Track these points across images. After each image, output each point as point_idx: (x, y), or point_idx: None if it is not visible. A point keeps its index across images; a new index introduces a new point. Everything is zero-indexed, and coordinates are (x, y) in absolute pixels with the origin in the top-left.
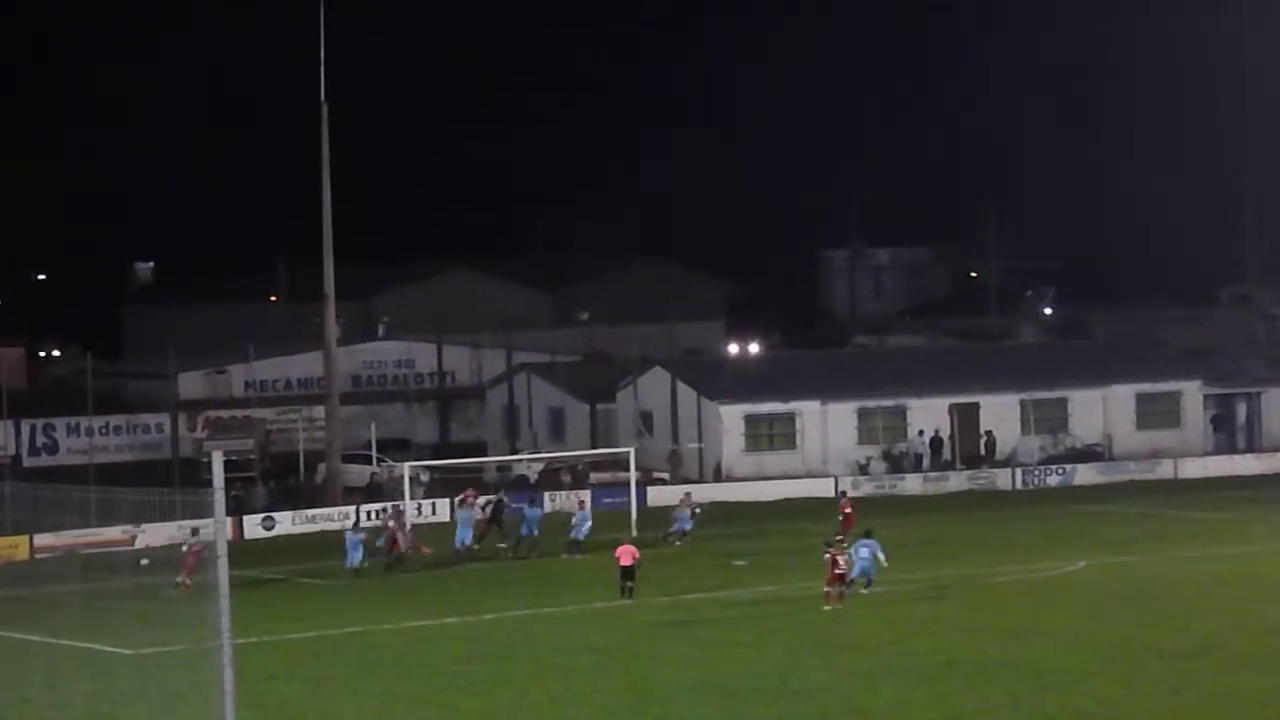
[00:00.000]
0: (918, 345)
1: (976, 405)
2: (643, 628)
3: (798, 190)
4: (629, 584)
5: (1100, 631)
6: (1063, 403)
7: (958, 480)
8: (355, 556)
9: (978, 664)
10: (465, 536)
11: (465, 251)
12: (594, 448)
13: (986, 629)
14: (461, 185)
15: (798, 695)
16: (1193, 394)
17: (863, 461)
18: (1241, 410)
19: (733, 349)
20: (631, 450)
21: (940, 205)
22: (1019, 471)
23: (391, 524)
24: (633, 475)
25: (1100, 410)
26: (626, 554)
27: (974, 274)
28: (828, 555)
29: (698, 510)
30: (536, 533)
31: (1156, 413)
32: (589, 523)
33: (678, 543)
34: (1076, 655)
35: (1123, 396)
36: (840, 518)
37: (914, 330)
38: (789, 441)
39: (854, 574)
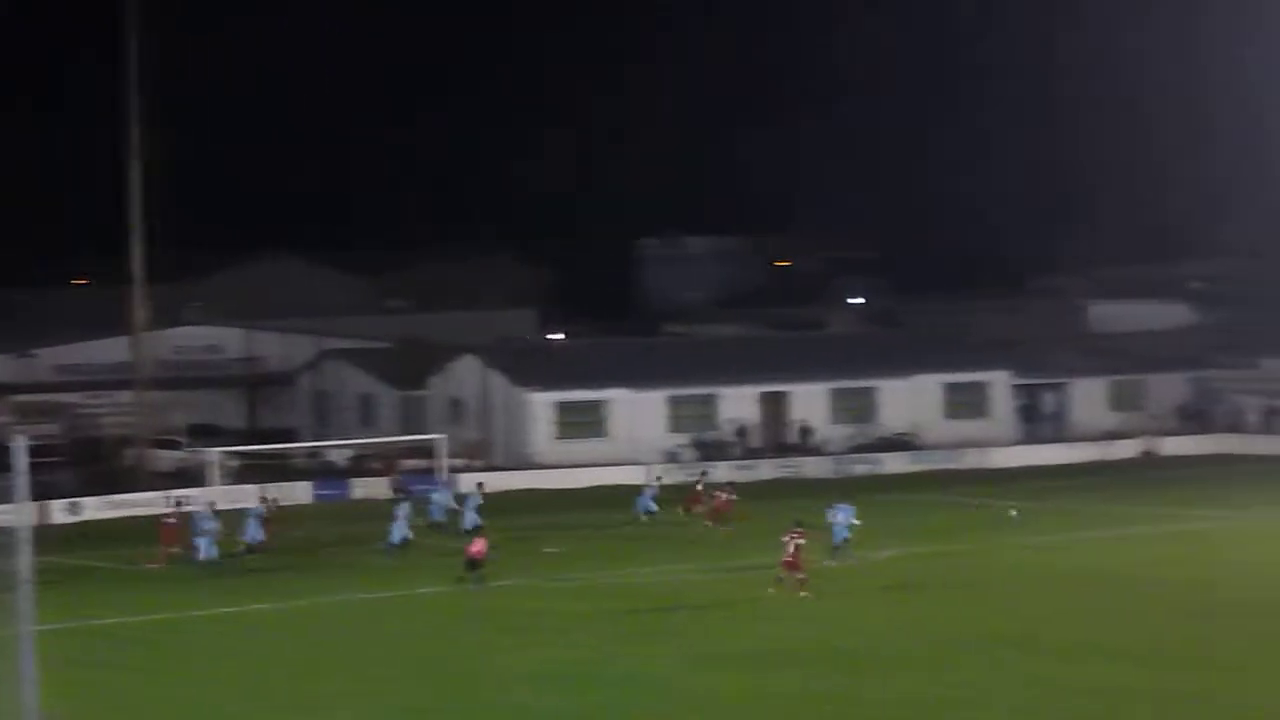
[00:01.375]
0: (729, 334)
1: (786, 394)
2: (456, 616)
3: (613, 179)
4: (474, 573)
5: (913, 619)
6: (871, 392)
7: (767, 468)
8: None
9: (794, 652)
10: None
11: (282, 238)
12: (404, 435)
13: (802, 617)
14: (279, 170)
15: (613, 682)
16: (1000, 384)
17: (673, 450)
18: (1049, 400)
19: (554, 337)
20: (443, 438)
21: (755, 195)
22: (828, 460)
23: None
24: (443, 462)
25: (909, 399)
26: (477, 547)
27: (786, 263)
28: (787, 539)
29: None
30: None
31: (964, 403)
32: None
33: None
34: (891, 642)
35: (931, 386)
36: (714, 506)
37: (727, 319)
38: (599, 429)
39: (837, 540)
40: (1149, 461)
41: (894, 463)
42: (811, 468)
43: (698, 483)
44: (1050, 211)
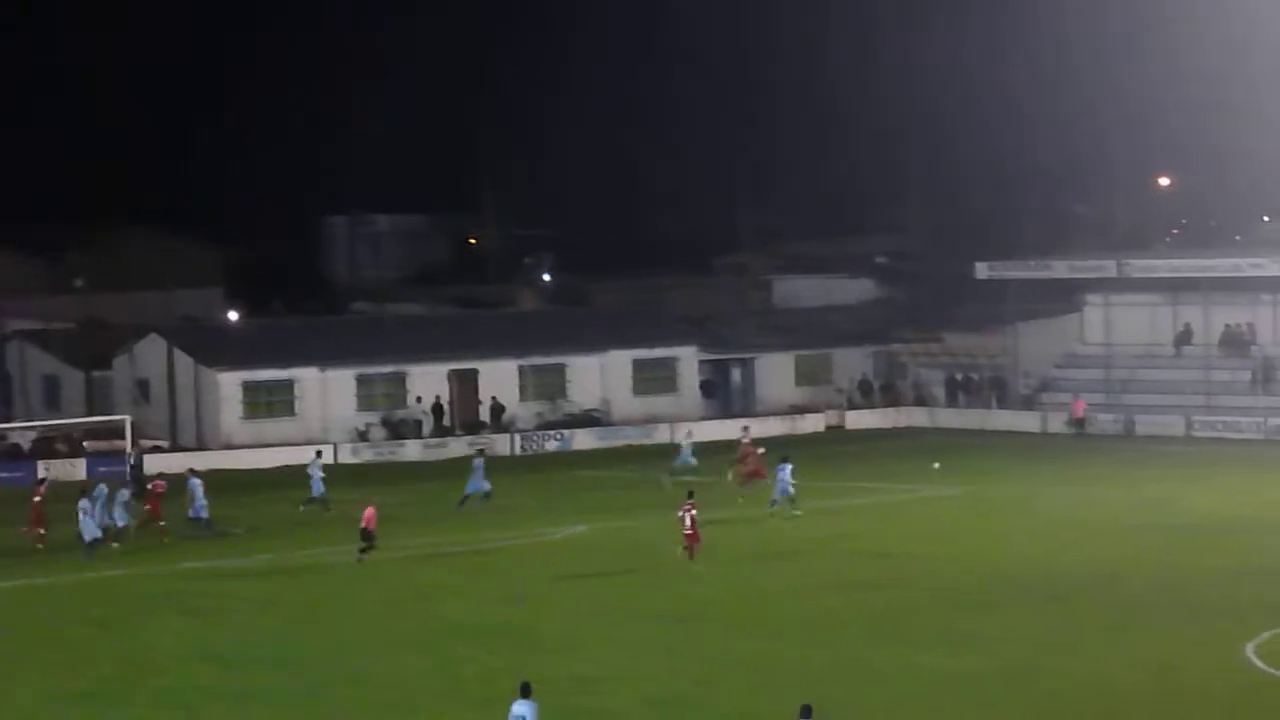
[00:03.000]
0: (417, 312)
1: (476, 371)
2: (139, 599)
3: (295, 154)
4: (369, 544)
5: (599, 596)
6: (561, 369)
7: (457, 446)
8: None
9: (478, 630)
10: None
11: None
12: (90, 416)
13: (486, 595)
14: None
15: (295, 664)
16: (688, 360)
17: (362, 428)
18: (736, 375)
19: (231, 316)
20: (128, 418)
21: (441, 172)
22: (518, 437)
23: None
24: (129, 443)
25: (598, 376)
26: (367, 516)
27: (472, 240)
28: (682, 513)
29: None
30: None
31: (653, 378)
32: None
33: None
34: (574, 620)
35: (620, 362)
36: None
37: (413, 297)
38: (288, 409)
39: (776, 494)
40: (835, 435)
41: (584, 439)
42: (502, 445)
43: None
44: (732, 189)
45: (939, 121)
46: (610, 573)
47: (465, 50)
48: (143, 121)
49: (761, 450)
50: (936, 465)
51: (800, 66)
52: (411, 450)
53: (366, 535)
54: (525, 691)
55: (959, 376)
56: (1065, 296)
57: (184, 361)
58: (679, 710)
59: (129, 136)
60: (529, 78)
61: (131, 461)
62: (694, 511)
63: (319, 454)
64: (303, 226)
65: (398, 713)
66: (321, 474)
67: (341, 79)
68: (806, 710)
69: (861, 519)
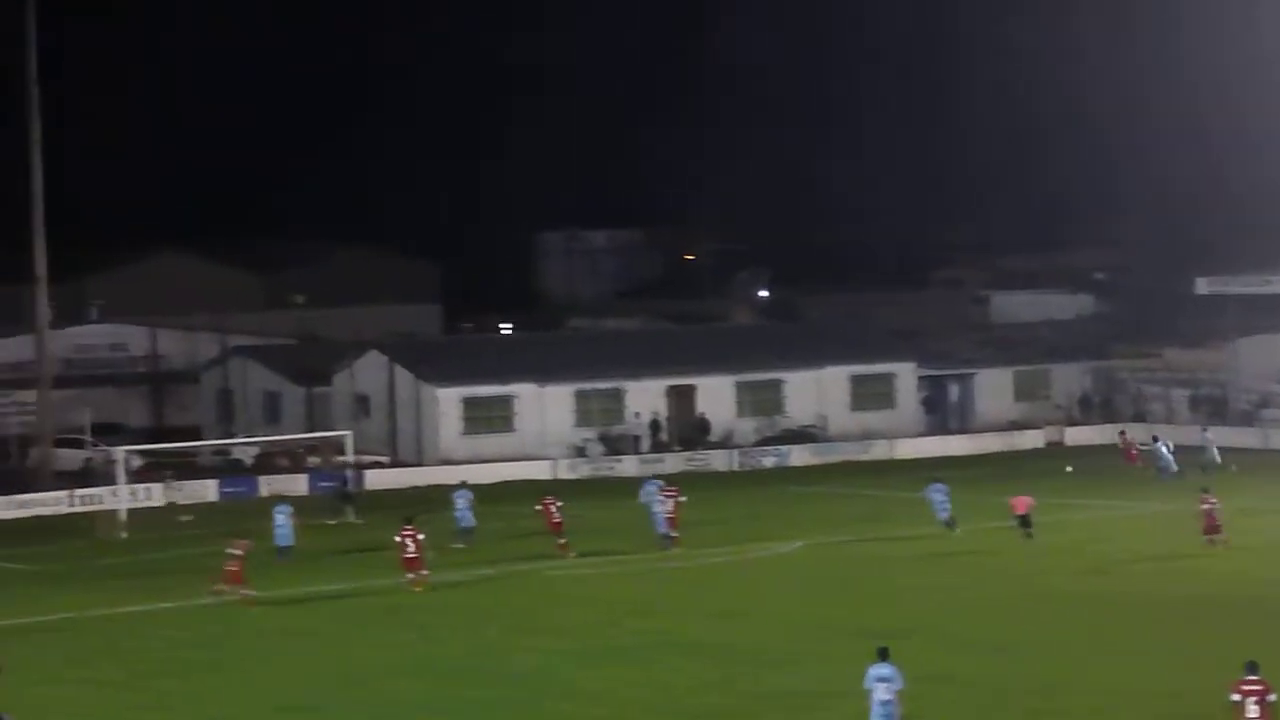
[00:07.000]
0: (633, 328)
1: (693, 387)
2: (357, 611)
3: (511, 172)
4: (1028, 530)
5: (813, 612)
6: (777, 384)
7: (674, 461)
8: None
9: (691, 644)
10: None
11: (178, 234)
12: (310, 431)
13: (700, 610)
14: (173, 166)
15: (512, 677)
16: (906, 375)
17: (580, 444)
18: (954, 391)
19: (449, 332)
20: (349, 434)
21: (654, 188)
22: (735, 453)
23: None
24: (350, 458)
25: (815, 392)
26: (1022, 503)
27: (688, 256)
28: (1205, 507)
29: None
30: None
31: (870, 394)
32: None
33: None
34: (788, 635)
35: (837, 378)
36: None
37: (629, 313)
38: (506, 424)
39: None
40: (1054, 451)
41: (800, 455)
42: (719, 461)
43: None
44: (948, 203)
45: (1156, 134)
46: (826, 589)
47: (676, 68)
48: (360, 140)
49: None
50: (1069, 469)
51: (1011, 79)
52: (629, 465)
53: (1025, 521)
54: (884, 655)
55: (1177, 393)
56: None
57: (404, 377)
58: None
59: (348, 155)
60: (740, 92)
61: (348, 476)
62: (1218, 504)
63: (464, 483)
64: (517, 243)
65: None
66: (468, 507)
67: (557, 96)
68: None
69: (1079, 533)
